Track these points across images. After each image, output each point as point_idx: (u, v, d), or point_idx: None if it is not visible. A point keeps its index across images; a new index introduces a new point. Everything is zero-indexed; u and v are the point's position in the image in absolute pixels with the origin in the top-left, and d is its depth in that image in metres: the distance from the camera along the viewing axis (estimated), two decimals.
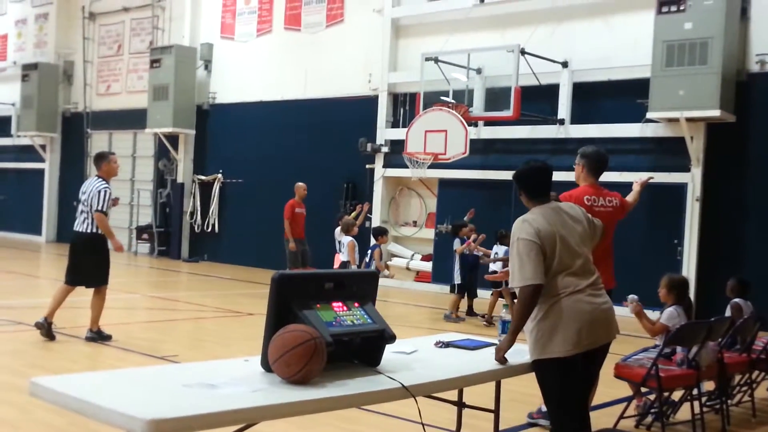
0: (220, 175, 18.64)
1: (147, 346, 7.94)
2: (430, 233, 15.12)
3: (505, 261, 10.10)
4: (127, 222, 20.48)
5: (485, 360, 3.89)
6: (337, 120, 16.21)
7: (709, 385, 5.99)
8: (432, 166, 13.66)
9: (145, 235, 19.83)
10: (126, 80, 21.21)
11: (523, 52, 12.66)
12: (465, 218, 11.63)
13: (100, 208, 7.85)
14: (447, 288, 11.77)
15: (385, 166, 15.55)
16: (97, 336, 8.03)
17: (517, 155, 12.54)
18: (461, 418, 4.55)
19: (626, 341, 7.09)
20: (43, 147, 22.71)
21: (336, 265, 11.12)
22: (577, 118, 13.13)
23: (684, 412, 5.60)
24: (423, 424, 3.89)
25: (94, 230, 7.94)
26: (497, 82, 13.14)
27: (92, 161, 9.54)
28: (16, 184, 23.91)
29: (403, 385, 3.21)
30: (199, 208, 18.97)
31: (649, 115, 11.89)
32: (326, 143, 16.39)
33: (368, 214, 14.11)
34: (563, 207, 4.05)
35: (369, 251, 11.53)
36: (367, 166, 15.78)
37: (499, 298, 10.75)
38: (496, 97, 13.09)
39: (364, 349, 3.43)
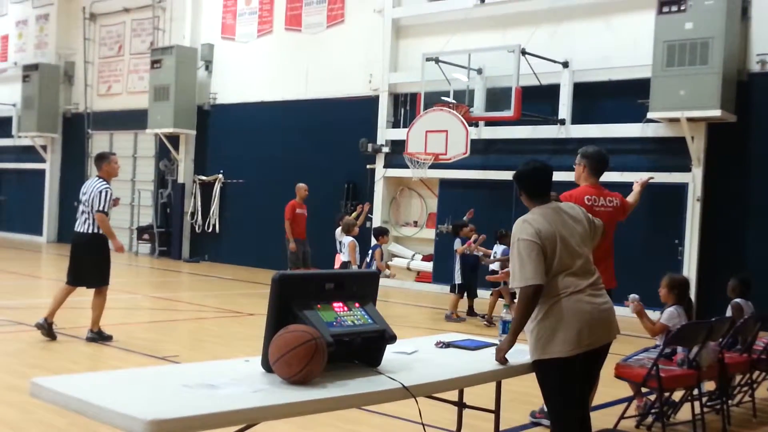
0: (220, 176, 18.65)
1: (147, 347, 7.94)
2: (430, 233, 15.11)
3: (505, 261, 10.11)
4: (127, 222, 20.49)
5: (486, 360, 3.89)
6: (337, 120, 16.21)
7: (709, 386, 5.99)
8: (433, 167, 13.67)
9: (145, 236, 19.83)
10: (127, 81, 21.21)
11: (523, 53, 12.66)
12: (464, 218, 11.63)
13: (101, 208, 7.86)
14: (447, 288, 11.76)
15: (385, 166, 15.54)
16: (98, 336, 8.03)
17: (517, 155, 12.51)
18: (462, 418, 4.56)
19: (627, 341, 7.09)
20: (44, 147, 22.71)
21: (337, 265, 11.12)
22: (578, 118, 13.12)
23: (684, 413, 5.59)
24: (423, 425, 3.88)
25: (95, 231, 7.94)
26: (498, 82, 13.14)
27: (93, 162, 9.54)
28: (16, 185, 23.94)
29: (403, 385, 3.21)
30: (199, 209, 18.97)
31: (649, 115, 11.88)
32: (327, 143, 16.39)
33: (369, 215, 14.10)
34: (563, 207, 4.05)
35: (370, 251, 11.54)
36: (368, 167, 15.78)
37: (499, 298, 10.75)
38: (496, 98, 13.09)
39: (364, 350, 3.43)
